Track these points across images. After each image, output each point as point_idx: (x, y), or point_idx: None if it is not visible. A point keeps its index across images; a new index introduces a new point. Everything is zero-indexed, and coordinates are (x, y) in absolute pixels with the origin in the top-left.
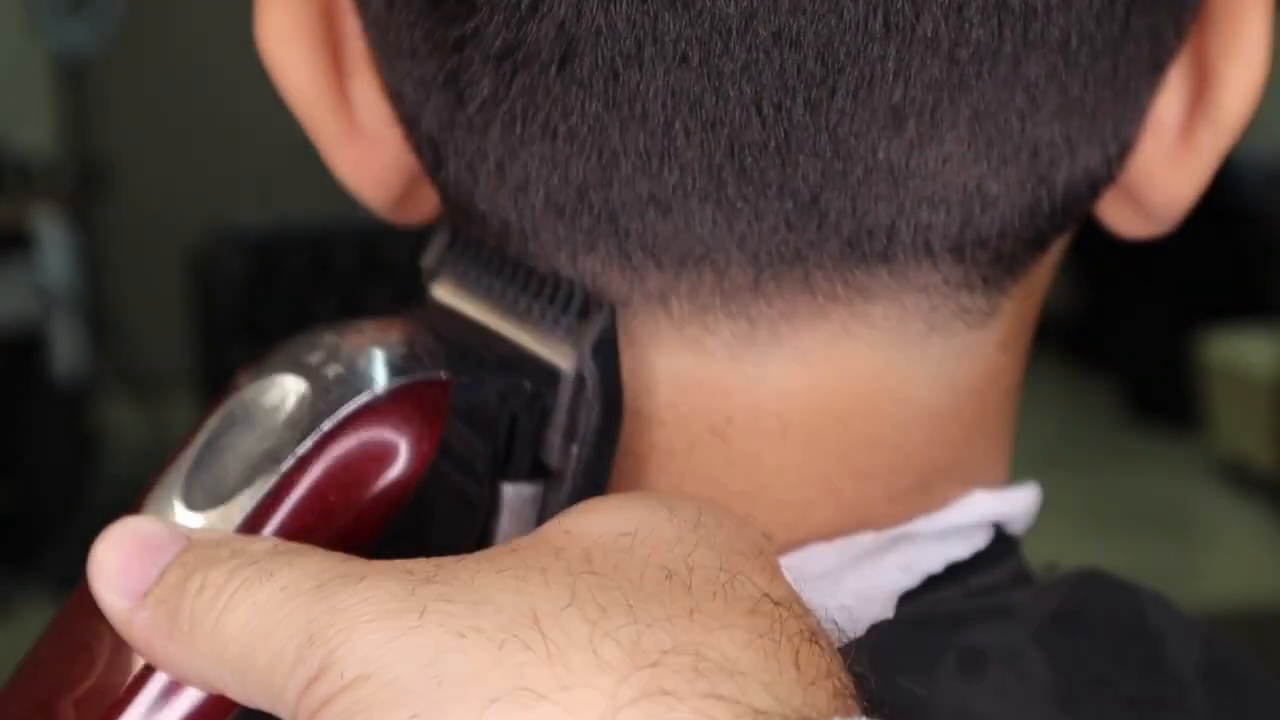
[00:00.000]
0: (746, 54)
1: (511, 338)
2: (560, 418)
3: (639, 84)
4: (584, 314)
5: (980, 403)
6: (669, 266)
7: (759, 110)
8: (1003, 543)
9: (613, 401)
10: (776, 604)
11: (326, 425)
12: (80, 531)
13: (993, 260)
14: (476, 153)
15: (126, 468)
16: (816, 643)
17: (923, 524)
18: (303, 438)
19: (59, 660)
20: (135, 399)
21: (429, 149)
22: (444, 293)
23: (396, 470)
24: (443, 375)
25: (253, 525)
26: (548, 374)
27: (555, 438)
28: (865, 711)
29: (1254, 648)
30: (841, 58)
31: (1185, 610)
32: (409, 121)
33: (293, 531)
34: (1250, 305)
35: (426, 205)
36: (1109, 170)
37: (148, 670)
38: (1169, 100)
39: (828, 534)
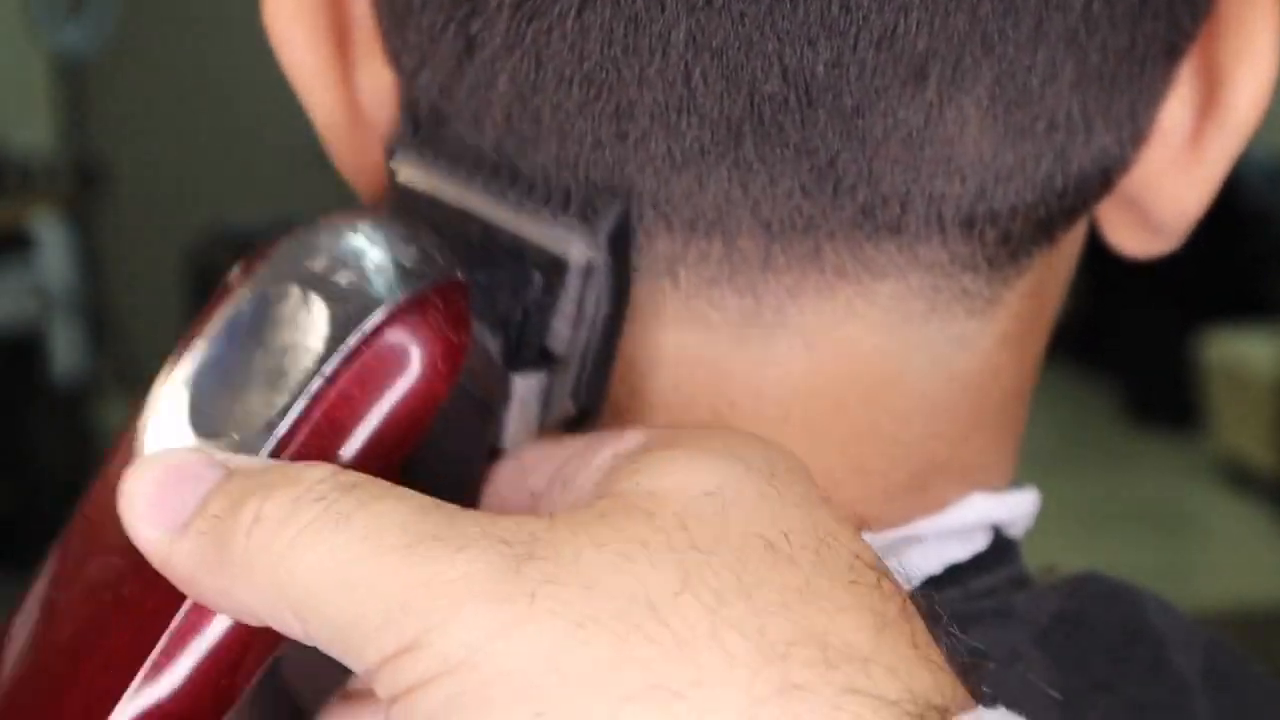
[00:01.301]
0: None
1: (509, 228)
2: (569, 306)
3: (660, 29)
4: (586, 211)
5: (978, 399)
6: (679, 230)
7: (781, 60)
8: (1002, 545)
9: (623, 289)
10: (869, 567)
11: (352, 340)
12: None
13: (1000, 240)
14: (482, 104)
15: None
16: (916, 615)
17: (922, 526)
18: (325, 355)
19: (83, 603)
20: (135, 399)
21: (428, 107)
22: (412, 176)
23: (429, 383)
24: (459, 276)
25: (283, 451)
26: (553, 263)
27: (563, 326)
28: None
29: (1253, 648)
30: (866, 4)
31: (1185, 611)
32: (408, 80)
33: (327, 456)
34: (1250, 305)
35: None
36: (1122, 154)
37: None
38: (1177, 108)
39: None
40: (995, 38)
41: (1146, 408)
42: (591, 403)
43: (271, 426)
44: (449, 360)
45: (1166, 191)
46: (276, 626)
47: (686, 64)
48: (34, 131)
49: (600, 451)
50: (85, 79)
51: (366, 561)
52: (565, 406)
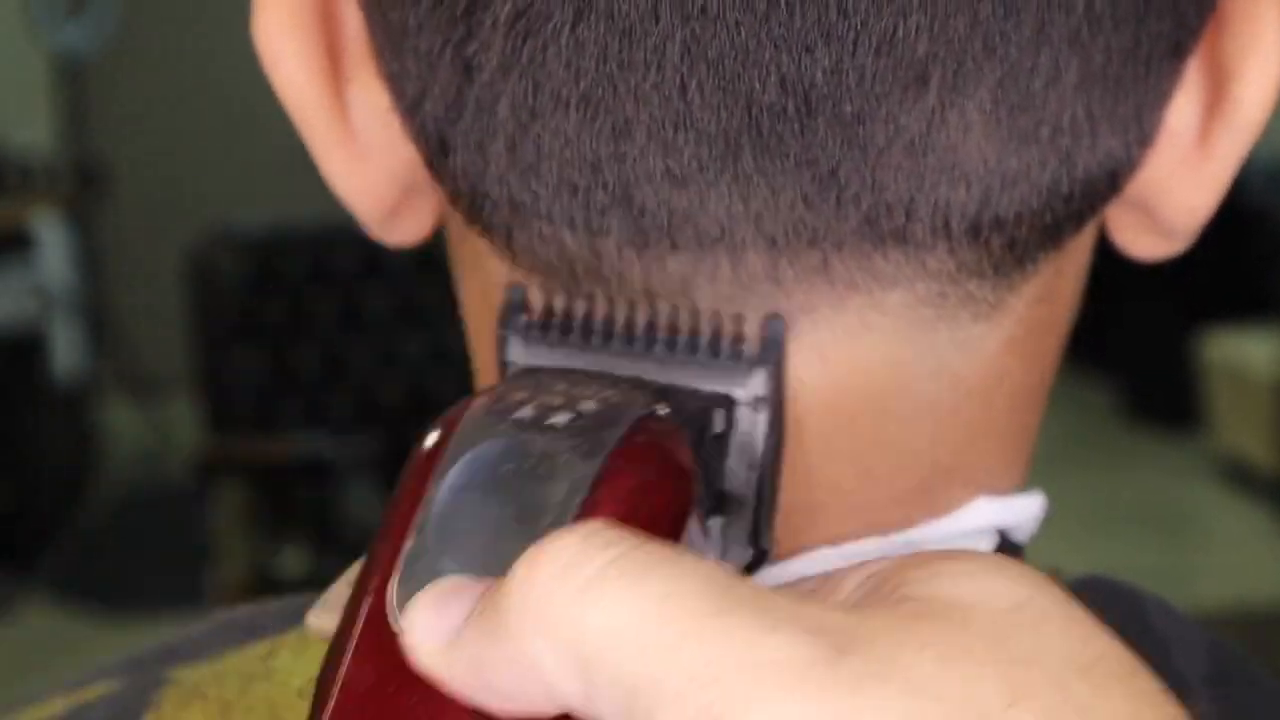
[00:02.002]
0: (767, 4)
1: (665, 381)
2: (740, 445)
3: (655, 41)
4: (735, 346)
5: (983, 404)
6: (685, 249)
7: (778, 69)
8: (1007, 550)
9: (781, 418)
10: (1164, 701)
11: (590, 471)
12: (79, 531)
13: (1006, 246)
14: (485, 132)
15: (126, 468)
16: None
17: (927, 530)
18: (571, 492)
19: None
20: (134, 399)
21: (434, 136)
22: (530, 355)
23: (668, 515)
24: (661, 411)
25: None
26: (721, 404)
27: (738, 466)
28: None
29: (1253, 648)
30: (864, 9)
31: (1186, 611)
32: (411, 109)
33: None
34: (1250, 305)
35: (417, 225)
36: (1129, 156)
37: None
38: (1184, 108)
39: (833, 539)
40: (996, 40)
41: (1146, 407)
42: (767, 543)
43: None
44: (686, 487)
45: (1175, 193)
46: (555, 694)
47: (682, 76)
48: (34, 131)
49: (851, 573)
50: (85, 79)
51: (668, 624)
52: (743, 551)
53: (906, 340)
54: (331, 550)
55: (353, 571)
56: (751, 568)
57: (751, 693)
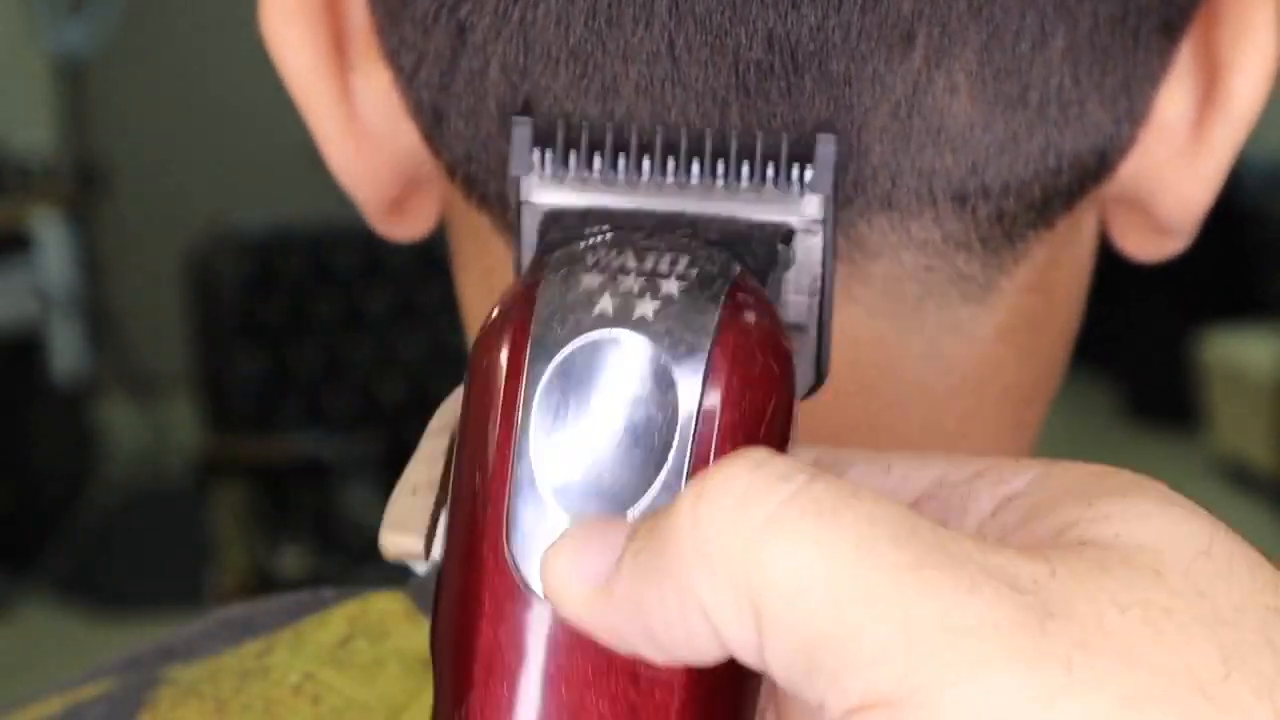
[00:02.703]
0: None
1: (723, 213)
2: (798, 273)
3: None
4: (790, 168)
5: (977, 395)
6: None
7: (765, 25)
8: None
9: (834, 236)
10: None
11: (694, 375)
12: (79, 531)
13: (994, 218)
14: (478, 95)
15: (125, 468)
16: None
17: None
18: (675, 398)
19: None
20: (134, 399)
21: (429, 106)
22: (550, 194)
23: (786, 382)
24: (738, 266)
25: None
26: (782, 236)
27: (800, 297)
28: None
29: None
30: None
31: None
32: (408, 80)
33: None
34: (1250, 305)
35: (419, 220)
36: (1118, 134)
37: None
38: (1178, 99)
39: None
40: (982, 0)
41: (1146, 408)
42: (826, 367)
43: (669, 487)
44: (785, 354)
45: (1172, 187)
46: (723, 641)
47: (670, 33)
48: (34, 131)
49: (999, 485)
50: (85, 79)
51: (863, 575)
52: (808, 376)
53: (893, 316)
54: (331, 550)
55: (410, 479)
56: (811, 393)
57: (958, 661)
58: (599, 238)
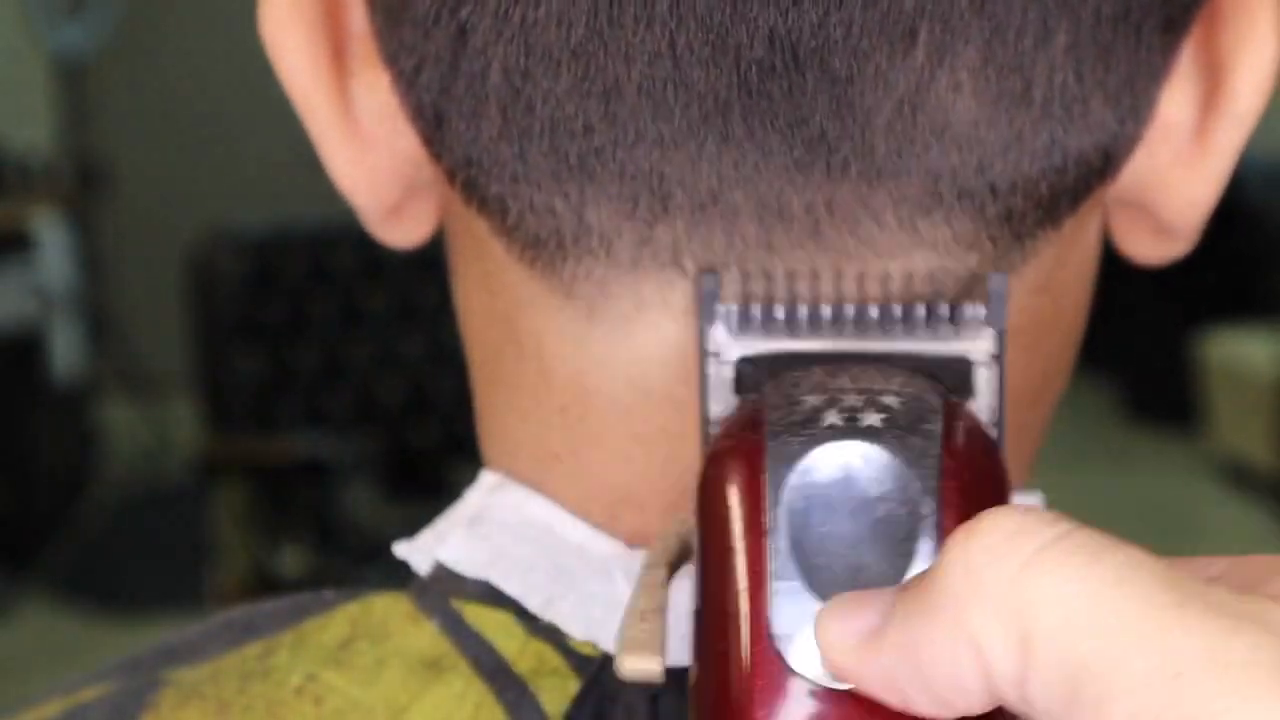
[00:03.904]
0: None
1: (908, 351)
2: (983, 403)
3: None
4: (954, 312)
5: None
6: (676, 215)
7: (767, 24)
8: None
9: (1005, 370)
10: None
11: (930, 474)
12: (79, 531)
13: (1003, 217)
14: (479, 98)
15: (125, 468)
16: None
17: None
18: (913, 499)
19: None
20: (134, 399)
21: (429, 109)
22: (736, 345)
23: (1003, 489)
24: (941, 386)
25: None
26: (965, 368)
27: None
28: None
29: None
30: None
31: None
32: (408, 84)
33: None
34: (1250, 305)
35: (417, 227)
36: (1122, 132)
37: None
38: (1180, 101)
39: None
40: None
41: (1146, 407)
42: (1009, 492)
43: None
44: (998, 451)
45: (1175, 188)
46: (991, 674)
47: (671, 33)
48: (34, 131)
49: (1200, 574)
50: (85, 79)
51: (1126, 608)
52: None
53: None
54: (331, 550)
55: (638, 607)
56: None
57: (1223, 691)
58: (807, 368)
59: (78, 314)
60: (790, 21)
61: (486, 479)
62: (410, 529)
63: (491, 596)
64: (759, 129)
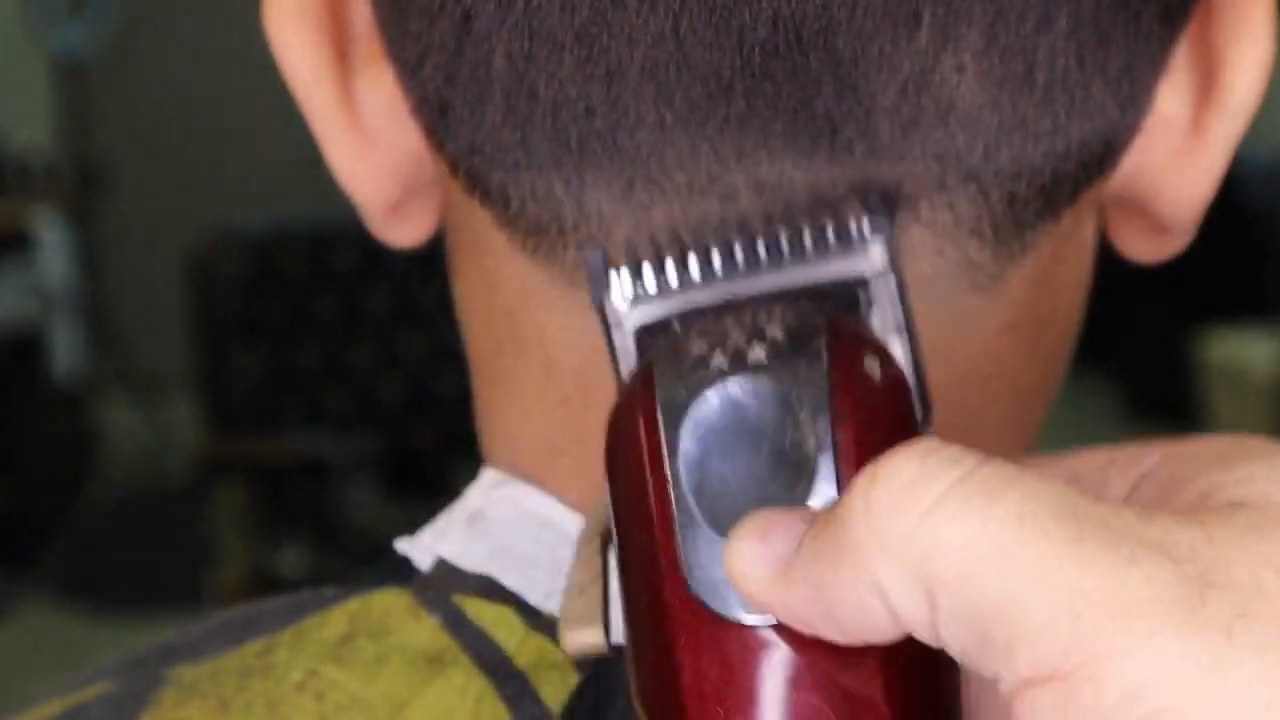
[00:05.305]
0: None
1: (803, 282)
2: (883, 318)
3: None
4: (840, 226)
5: (979, 391)
6: (674, 198)
7: (771, 4)
8: None
9: (904, 279)
10: None
11: (819, 394)
12: (79, 531)
13: (1006, 204)
14: (483, 85)
15: (125, 468)
16: None
17: None
18: (805, 424)
19: None
20: (134, 399)
21: (433, 99)
22: (639, 314)
23: (902, 391)
24: (829, 306)
25: None
26: (860, 286)
27: (890, 336)
28: None
29: None
30: None
31: None
32: (412, 75)
33: None
34: (1250, 305)
35: (418, 226)
36: (1123, 120)
37: None
38: (1175, 96)
39: None
40: None
41: (1146, 407)
42: (929, 401)
43: (824, 495)
44: (893, 359)
45: (1171, 184)
46: (899, 620)
47: (675, 15)
48: (33, 131)
49: (1131, 467)
50: (85, 79)
51: (1025, 548)
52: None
53: None
54: (331, 550)
55: (574, 582)
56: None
57: (1120, 634)
58: (693, 320)
59: (77, 314)
60: (795, 3)
61: (487, 476)
62: (411, 528)
63: (492, 591)
64: (762, 110)
